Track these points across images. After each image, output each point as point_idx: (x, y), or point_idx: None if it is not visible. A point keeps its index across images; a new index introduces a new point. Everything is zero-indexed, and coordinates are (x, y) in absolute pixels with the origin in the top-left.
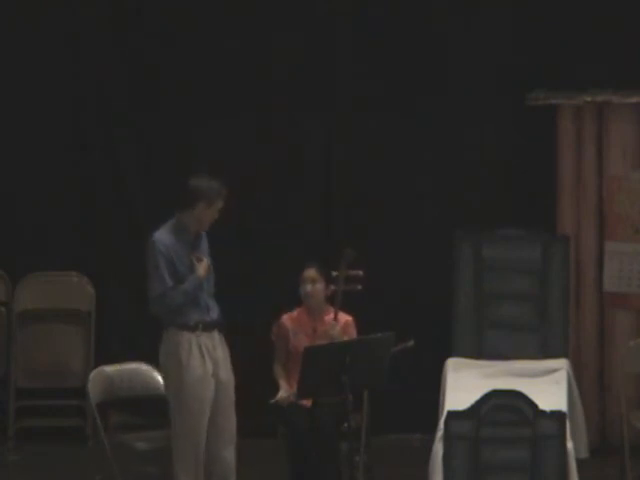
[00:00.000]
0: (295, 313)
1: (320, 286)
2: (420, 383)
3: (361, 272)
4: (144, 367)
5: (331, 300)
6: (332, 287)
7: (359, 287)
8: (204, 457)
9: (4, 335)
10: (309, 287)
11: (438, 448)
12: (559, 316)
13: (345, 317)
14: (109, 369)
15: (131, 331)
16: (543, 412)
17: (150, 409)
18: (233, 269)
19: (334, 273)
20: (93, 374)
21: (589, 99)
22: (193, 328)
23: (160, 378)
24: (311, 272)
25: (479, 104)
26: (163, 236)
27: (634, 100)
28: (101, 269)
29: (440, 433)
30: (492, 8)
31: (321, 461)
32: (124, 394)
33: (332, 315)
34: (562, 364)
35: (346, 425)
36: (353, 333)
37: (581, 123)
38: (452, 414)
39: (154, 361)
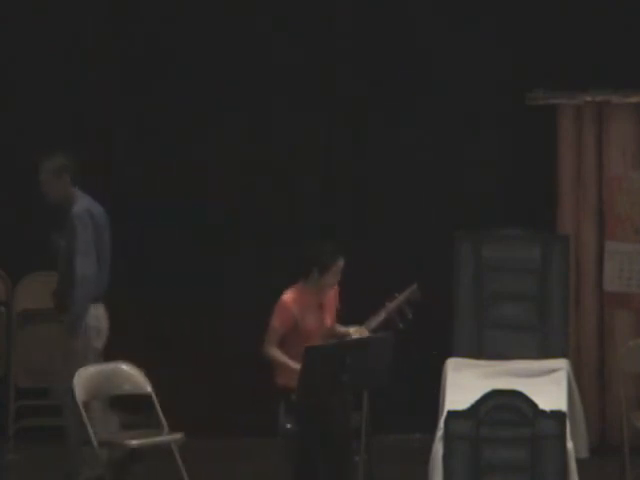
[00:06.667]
0: (296, 293)
1: None
2: (420, 383)
3: (411, 315)
4: (126, 367)
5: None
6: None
7: (400, 325)
8: None
9: (4, 335)
10: (339, 278)
11: (438, 448)
12: (559, 316)
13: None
14: (92, 369)
15: (131, 331)
16: (543, 412)
17: (137, 408)
18: (234, 269)
19: (397, 295)
20: (77, 373)
21: (589, 99)
22: None
23: (142, 376)
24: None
25: (479, 104)
26: None
27: (634, 100)
28: None
29: (440, 433)
30: (493, 8)
31: (326, 461)
32: (108, 393)
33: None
34: (562, 364)
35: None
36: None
37: (581, 123)
38: (452, 414)
39: (153, 360)
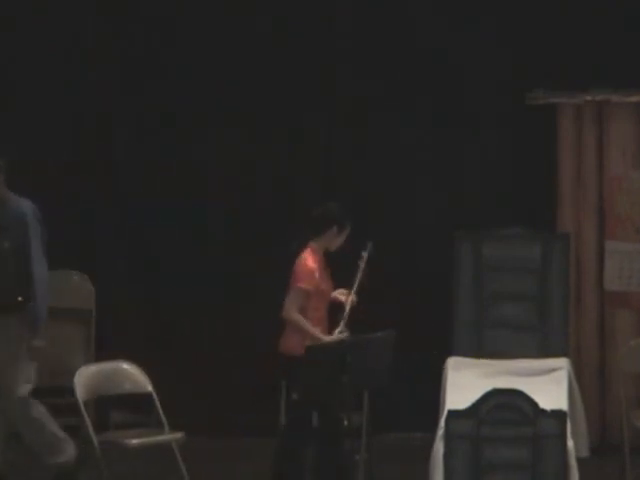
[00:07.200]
0: (314, 255)
1: None
2: (420, 382)
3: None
4: (127, 366)
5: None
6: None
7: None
8: None
9: None
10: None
11: (439, 447)
12: (559, 315)
13: None
14: (94, 367)
15: (131, 330)
16: (544, 411)
17: (138, 407)
18: (234, 269)
19: (363, 254)
20: (78, 373)
21: (589, 98)
22: None
23: (143, 375)
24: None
25: (479, 104)
26: None
27: (634, 100)
28: (101, 268)
29: (441, 432)
30: (493, 8)
31: (325, 461)
32: (109, 392)
33: None
34: (562, 363)
35: (346, 424)
36: None
37: (581, 123)
38: (453, 413)
39: (153, 360)
